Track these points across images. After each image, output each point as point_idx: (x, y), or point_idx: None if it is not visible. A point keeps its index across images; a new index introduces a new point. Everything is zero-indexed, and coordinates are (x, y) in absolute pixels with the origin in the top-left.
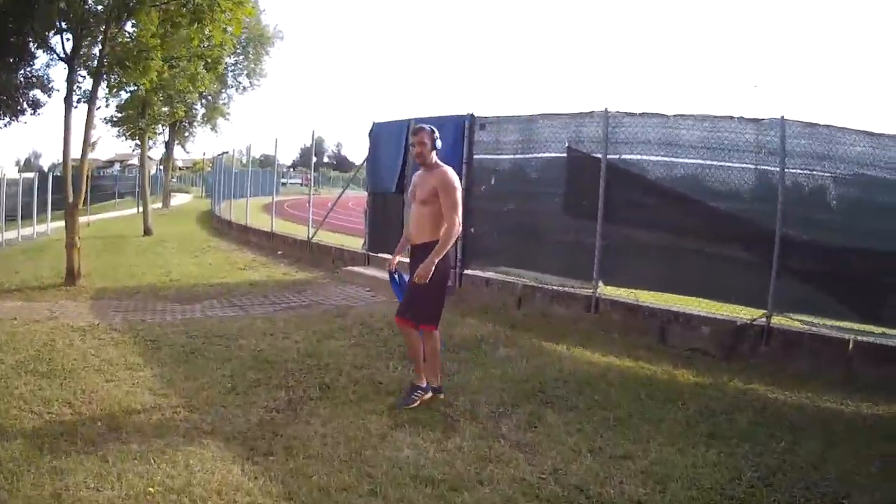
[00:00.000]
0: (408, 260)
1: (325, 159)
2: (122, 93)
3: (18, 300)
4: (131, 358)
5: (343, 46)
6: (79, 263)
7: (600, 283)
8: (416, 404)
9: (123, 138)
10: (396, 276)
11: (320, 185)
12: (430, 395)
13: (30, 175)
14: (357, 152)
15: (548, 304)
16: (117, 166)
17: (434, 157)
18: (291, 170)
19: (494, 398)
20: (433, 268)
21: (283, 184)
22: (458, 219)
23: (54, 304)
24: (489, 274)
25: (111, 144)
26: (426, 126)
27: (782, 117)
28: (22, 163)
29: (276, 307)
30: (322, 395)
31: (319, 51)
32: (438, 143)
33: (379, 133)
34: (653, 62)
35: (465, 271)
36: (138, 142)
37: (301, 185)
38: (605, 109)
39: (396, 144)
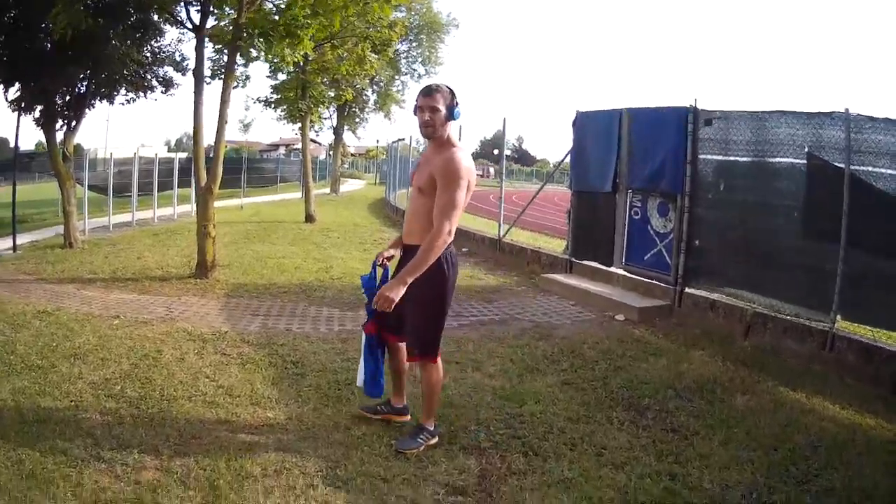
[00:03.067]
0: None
1: (507, 152)
2: (279, 74)
3: (132, 292)
4: (261, 387)
5: (522, 38)
6: (213, 254)
7: (838, 317)
8: (420, 449)
9: (284, 122)
10: (375, 271)
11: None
12: (436, 440)
13: (169, 155)
14: (538, 147)
15: (779, 336)
16: (282, 150)
17: (448, 131)
18: None
19: (746, 476)
20: (402, 290)
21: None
22: (450, 225)
23: (175, 301)
24: (715, 296)
25: (275, 128)
26: (443, 86)
27: None
28: (173, 143)
29: (461, 321)
30: (527, 466)
31: (498, 42)
32: (458, 113)
33: (585, 124)
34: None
35: (686, 290)
36: (300, 125)
37: (481, 176)
38: (846, 111)
39: (607, 137)
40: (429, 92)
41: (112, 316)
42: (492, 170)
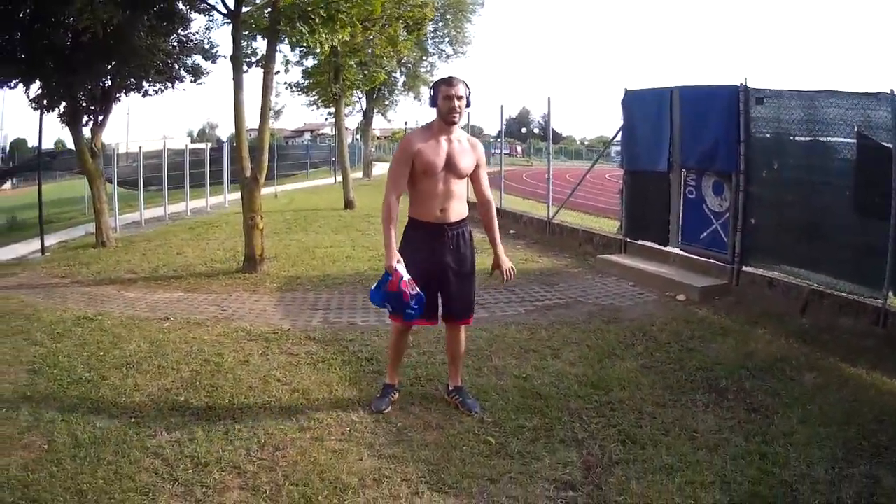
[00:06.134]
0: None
1: (535, 130)
2: (310, 58)
3: (177, 291)
4: (339, 388)
5: (543, 12)
6: (262, 246)
7: (890, 294)
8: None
9: (315, 107)
10: (388, 276)
11: (531, 156)
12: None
13: (198, 145)
14: (564, 124)
15: (834, 313)
16: (307, 135)
17: None
18: (497, 140)
19: (826, 452)
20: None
21: (493, 153)
22: None
23: (226, 298)
24: (772, 273)
25: (299, 113)
26: (458, 77)
27: None
28: (196, 133)
29: (527, 306)
30: (627, 454)
31: (520, 18)
32: (471, 101)
33: (634, 102)
34: None
35: (744, 268)
36: (332, 109)
37: (509, 155)
38: (892, 91)
39: (658, 116)
40: (456, 82)
41: (161, 318)
42: (519, 148)
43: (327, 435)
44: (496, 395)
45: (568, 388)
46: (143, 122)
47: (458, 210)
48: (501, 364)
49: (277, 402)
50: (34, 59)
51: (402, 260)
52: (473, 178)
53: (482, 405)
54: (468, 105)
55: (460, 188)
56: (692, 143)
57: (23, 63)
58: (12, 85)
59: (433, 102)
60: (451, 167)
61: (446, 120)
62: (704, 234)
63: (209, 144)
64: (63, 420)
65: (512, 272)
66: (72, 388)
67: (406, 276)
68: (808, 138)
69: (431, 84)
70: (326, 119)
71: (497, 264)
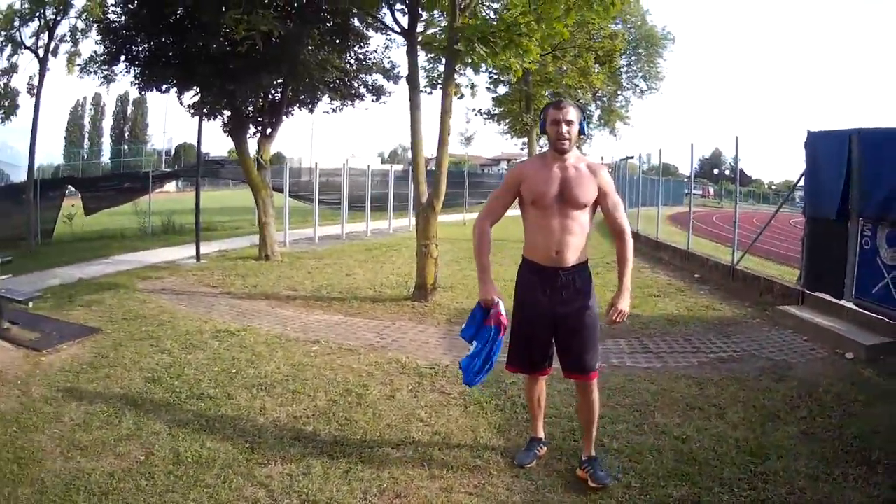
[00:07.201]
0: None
1: (727, 172)
2: (500, 86)
3: (337, 313)
4: (485, 435)
5: (734, 55)
6: (434, 275)
7: None
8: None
9: (508, 135)
10: (480, 313)
11: (722, 198)
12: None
13: (383, 167)
14: (753, 166)
15: None
16: (504, 164)
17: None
18: (689, 180)
19: None
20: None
21: (685, 194)
22: None
23: (388, 326)
24: None
25: (496, 142)
26: (570, 101)
27: None
28: (387, 155)
29: (700, 359)
30: None
31: (710, 59)
32: (585, 128)
33: (817, 145)
34: None
35: None
36: (525, 139)
37: (702, 196)
38: None
39: (838, 159)
40: (564, 105)
41: (311, 340)
42: (711, 189)
43: (458, 486)
44: (650, 457)
45: (725, 454)
46: (332, 139)
47: (576, 252)
48: (663, 422)
49: (414, 444)
50: (188, 64)
51: (501, 295)
52: (602, 207)
53: (634, 467)
54: (581, 132)
55: (580, 225)
56: (869, 191)
57: (177, 67)
58: (163, 89)
59: (542, 128)
60: (566, 197)
61: (556, 147)
62: (876, 287)
63: (396, 166)
64: (169, 434)
65: (620, 317)
66: (189, 403)
67: (504, 312)
68: None
69: (542, 107)
70: (522, 148)
71: (613, 301)
